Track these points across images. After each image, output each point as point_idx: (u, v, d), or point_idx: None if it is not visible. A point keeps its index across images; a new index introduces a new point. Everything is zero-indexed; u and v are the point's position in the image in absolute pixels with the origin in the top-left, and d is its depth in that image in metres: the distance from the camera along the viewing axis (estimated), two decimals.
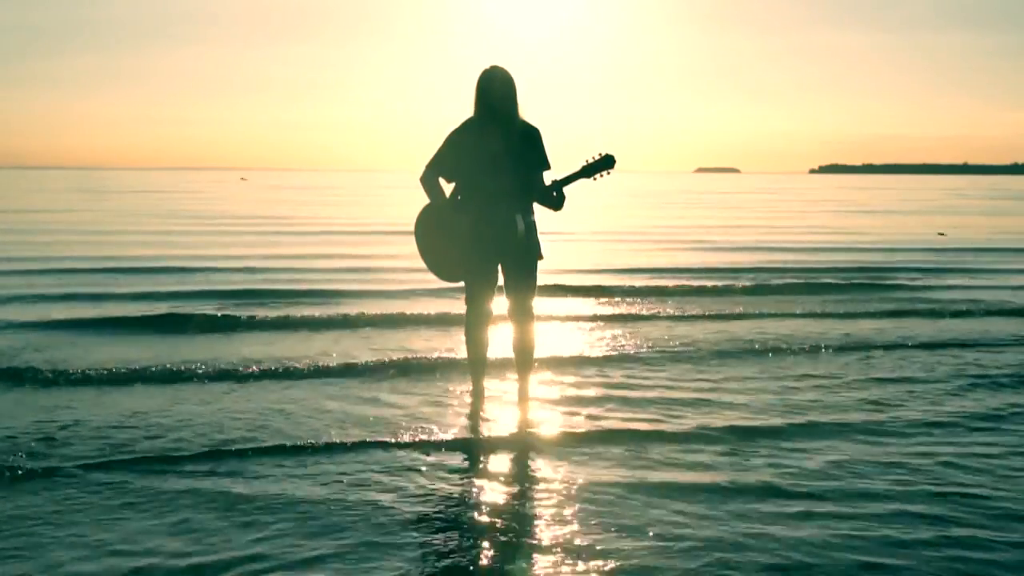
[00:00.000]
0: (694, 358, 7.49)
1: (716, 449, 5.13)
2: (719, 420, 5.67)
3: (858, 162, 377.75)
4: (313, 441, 5.16)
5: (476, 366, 6.07)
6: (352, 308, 9.73)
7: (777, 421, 5.68)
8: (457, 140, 5.79)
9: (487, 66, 5.75)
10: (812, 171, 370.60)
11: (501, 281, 5.97)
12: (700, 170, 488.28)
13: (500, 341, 6.34)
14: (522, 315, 5.91)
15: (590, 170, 5.77)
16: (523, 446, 5.21)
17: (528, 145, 5.78)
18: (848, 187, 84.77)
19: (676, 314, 9.77)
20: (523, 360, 6.02)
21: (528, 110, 5.79)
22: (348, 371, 6.94)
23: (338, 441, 5.18)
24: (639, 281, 12.38)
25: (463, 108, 5.81)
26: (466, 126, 5.78)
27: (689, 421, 5.67)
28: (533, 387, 6.20)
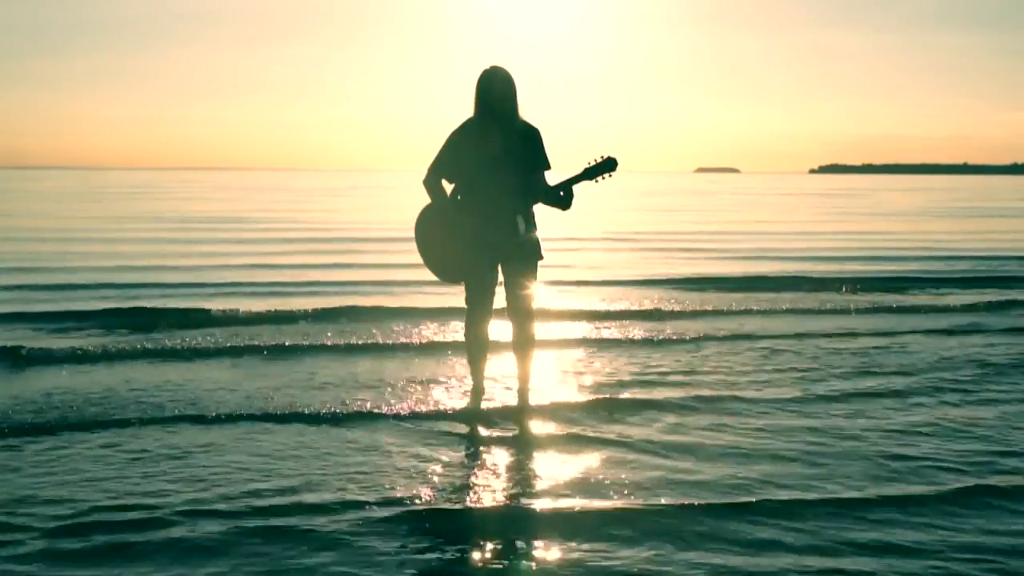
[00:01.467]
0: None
1: None
2: None
3: (858, 162, 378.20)
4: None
5: (476, 365, 6.06)
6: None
7: None
8: (457, 141, 5.77)
9: (487, 66, 5.74)
10: (812, 171, 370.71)
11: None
12: (700, 170, 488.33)
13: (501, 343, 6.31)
14: (522, 315, 5.90)
15: (592, 172, 5.76)
16: (521, 444, 5.19)
17: (528, 145, 5.77)
18: (869, 188, 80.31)
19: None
20: (523, 359, 6.00)
21: (528, 110, 5.80)
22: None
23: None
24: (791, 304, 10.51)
25: (463, 108, 5.85)
26: (466, 126, 5.77)
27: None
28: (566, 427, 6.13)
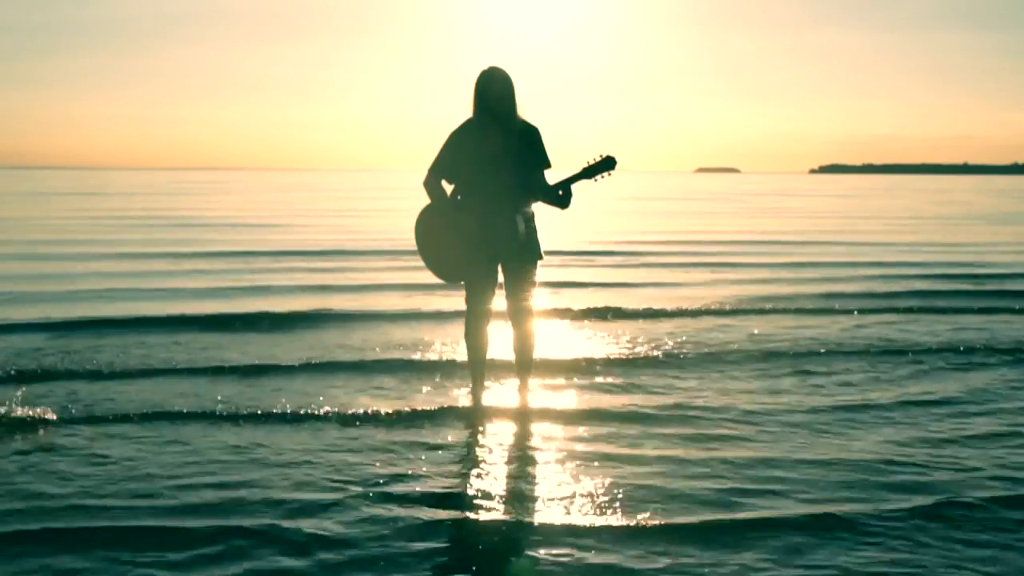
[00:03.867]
0: None
1: None
2: None
3: (858, 162, 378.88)
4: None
5: (476, 366, 6.05)
6: None
7: None
8: (456, 141, 5.77)
9: (485, 67, 5.75)
10: (812, 171, 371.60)
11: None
12: (700, 170, 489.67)
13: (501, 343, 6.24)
14: (522, 315, 5.91)
15: (591, 171, 5.77)
16: (523, 441, 5.18)
17: (528, 144, 5.77)
18: (893, 188, 76.73)
19: None
20: (523, 361, 6.01)
21: (528, 110, 5.83)
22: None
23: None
24: None
25: (463, 108, 5.86)
26: (465, 127, 5.77)
27: None
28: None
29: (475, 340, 5.98)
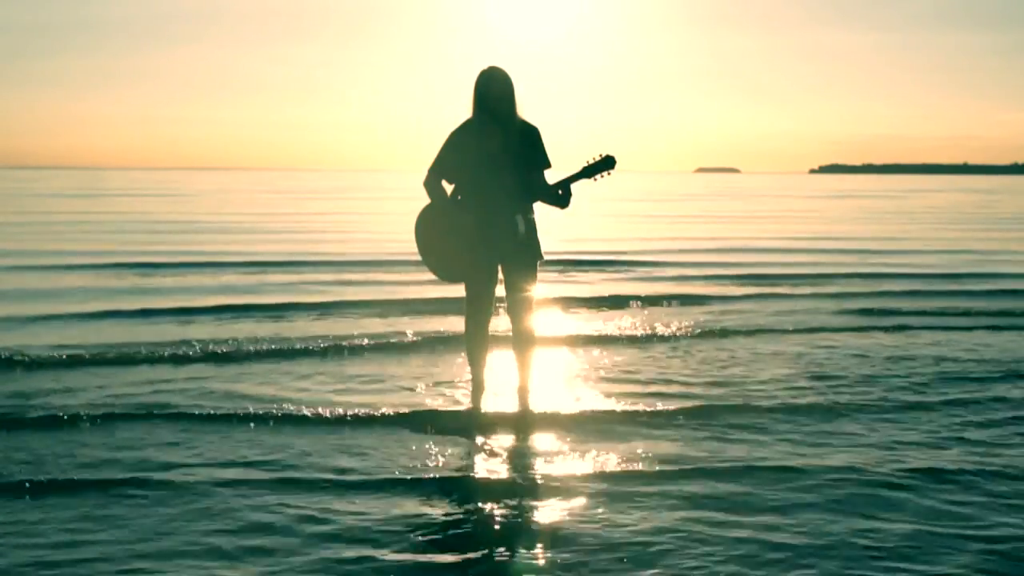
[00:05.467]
0: None
1: None
2: None
3: (858, 162, 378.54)
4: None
5: (476, 364, 6.08)
6: None
7: None
8: (456, 141, 5.80)
9: (485, 67, 5.77)
10: (812, 171, 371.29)
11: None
12: (700, 170, 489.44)
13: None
14: (522, 315, 5.93)
15: (590, 171, 5.80)
16: (523, 440, 5.19)
17: (528, 144, 5.80)
18: (916, 189, 73.80)
19: None
20: (523, 360, 6.03)
21: (528, 110, 5.84)
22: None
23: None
24: None
25: (463, 108, 5.89)
26: (465, 127, 5.80)
27: None
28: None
29: (475, 339, 6.00)
